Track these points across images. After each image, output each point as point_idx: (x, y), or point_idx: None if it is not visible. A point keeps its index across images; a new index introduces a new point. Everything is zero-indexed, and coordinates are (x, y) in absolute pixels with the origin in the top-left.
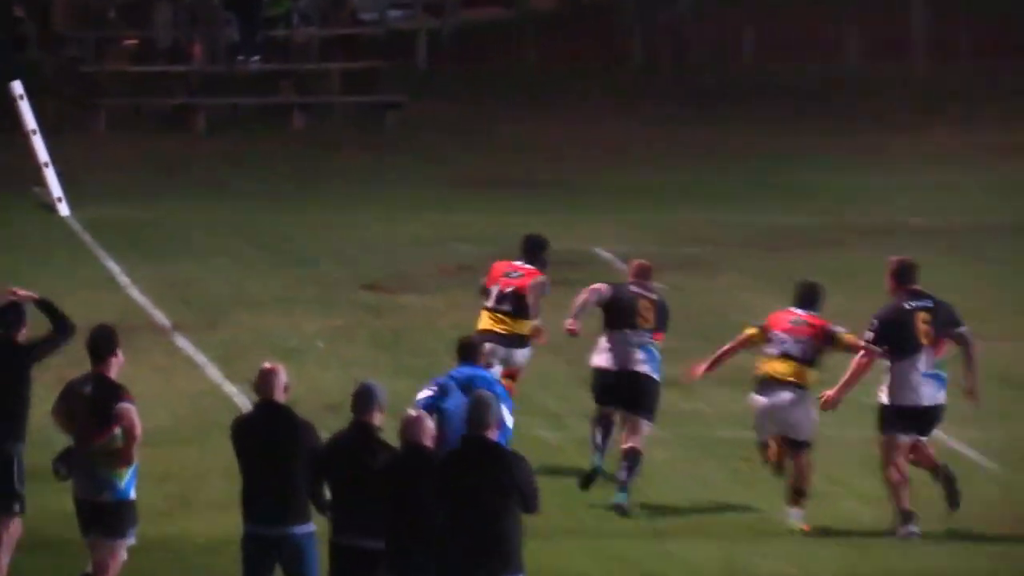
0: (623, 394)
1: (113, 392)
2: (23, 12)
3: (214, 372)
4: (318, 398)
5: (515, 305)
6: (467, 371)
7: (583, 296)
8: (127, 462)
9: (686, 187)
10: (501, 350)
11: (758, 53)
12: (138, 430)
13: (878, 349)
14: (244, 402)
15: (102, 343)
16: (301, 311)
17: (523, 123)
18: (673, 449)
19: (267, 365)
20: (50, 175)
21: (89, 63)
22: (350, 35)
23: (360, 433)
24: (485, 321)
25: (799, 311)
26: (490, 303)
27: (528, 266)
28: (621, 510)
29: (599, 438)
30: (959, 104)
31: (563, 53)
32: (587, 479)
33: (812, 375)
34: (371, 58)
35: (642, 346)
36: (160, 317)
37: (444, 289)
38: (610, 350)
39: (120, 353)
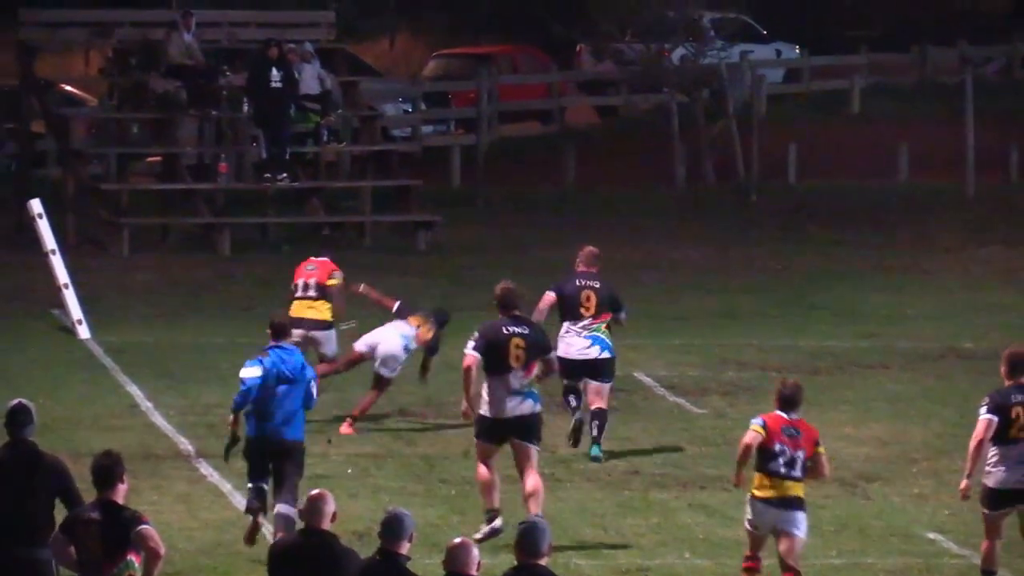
0: (587, 371)
1: (128, 517)
2: (42, 128)
3: (240, 501)
4: (346, 526)
5: (318, 291)
6: (281, 353)
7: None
8: None
9: (730, 309)
10: (311, 332)
11: (803, 170)
12: (162, 550)
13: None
14: (268, 531)
15: (108, 469)
16: (330, 437)
17: (561, 244)
18: None
19: (315, 492)
20: (70, 297)
21: (111, 181)
22: (381, 152)
23: (388, 563)
24: (296, 309)
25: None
26: (299, 293)
27: (322, 259)
28: (597, 460)
29: (573, 402)
30: (1010, 223)
31: (603, 171)
32: (574, 433)
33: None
34: (403, 176)
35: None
36: (184, 444)
37: None
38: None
39: (126, 479)
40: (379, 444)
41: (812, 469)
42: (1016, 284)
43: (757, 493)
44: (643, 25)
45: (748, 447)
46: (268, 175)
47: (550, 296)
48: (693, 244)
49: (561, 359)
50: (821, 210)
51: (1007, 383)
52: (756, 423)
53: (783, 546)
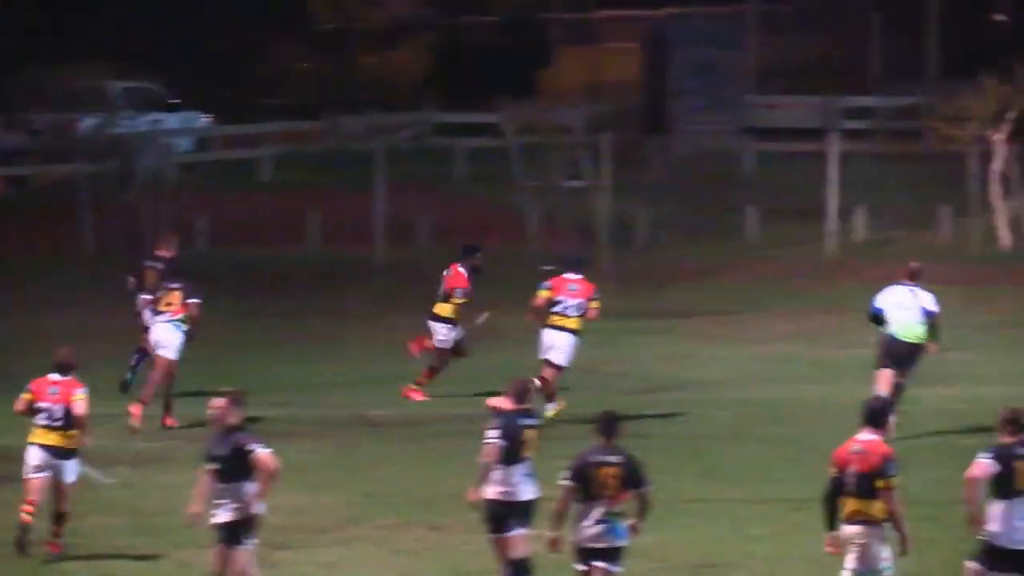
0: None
1: None
2: None
3: None
4: None
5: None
6: None
7: None
8: None
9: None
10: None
11: (214, 239)
12: None
13: None
14: None
15: None
16: None
17: None
18: None
19: None
20: None
21: None
22: None
23: None
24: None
25: None
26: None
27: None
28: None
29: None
30: (418, 290)
31: (14, 241)
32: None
33: None
34: None
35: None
36: None
37: None
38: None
39: None
40: None
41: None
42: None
43: (34, 440)
44: (52, 95)
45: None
46: None
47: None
48: (104, 315)
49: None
50: (232, 279)
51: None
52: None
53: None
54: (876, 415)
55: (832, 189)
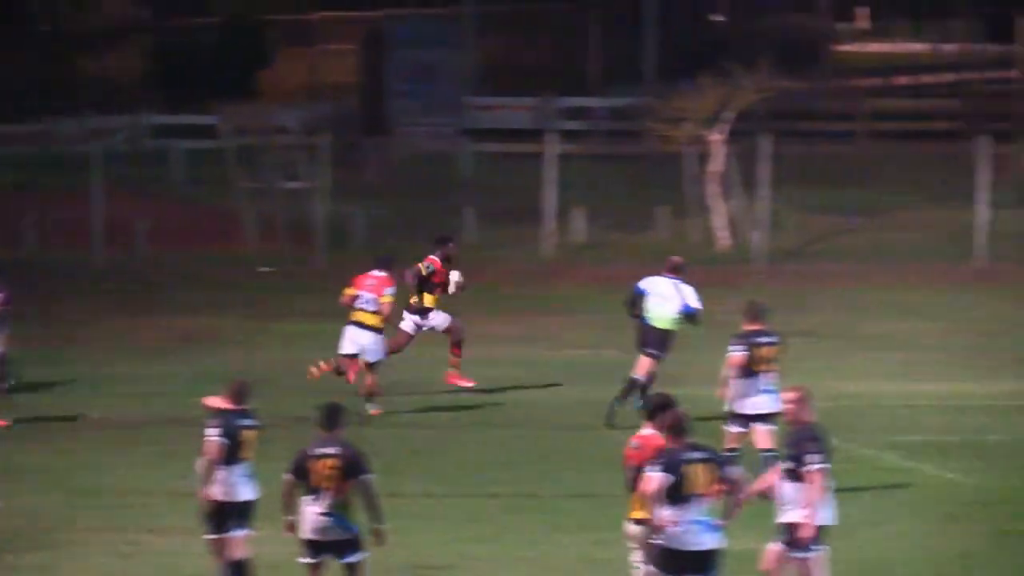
0: None
1: None
2: None
3: None
4: None
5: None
6: None
7: None
8: None
9: None
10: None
11: None
12: None
13: None
14: None
15: None
16: None
17: None
18: None
19: None
20: None
21: None
22: None
23: None
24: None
25: None
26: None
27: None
28: None
29: None
30: (139, 293)
31: None
32: None
33: None
34: None
35: None
36: None
37: None
38: None
39: None
40: None
41: None
42: (137, 353)
43: None
44: None
45: None
46: None
47: None
48: None
49: None
50: None
51: None
52: None
53: None
54: (656, 410)
55: (549, 190)
